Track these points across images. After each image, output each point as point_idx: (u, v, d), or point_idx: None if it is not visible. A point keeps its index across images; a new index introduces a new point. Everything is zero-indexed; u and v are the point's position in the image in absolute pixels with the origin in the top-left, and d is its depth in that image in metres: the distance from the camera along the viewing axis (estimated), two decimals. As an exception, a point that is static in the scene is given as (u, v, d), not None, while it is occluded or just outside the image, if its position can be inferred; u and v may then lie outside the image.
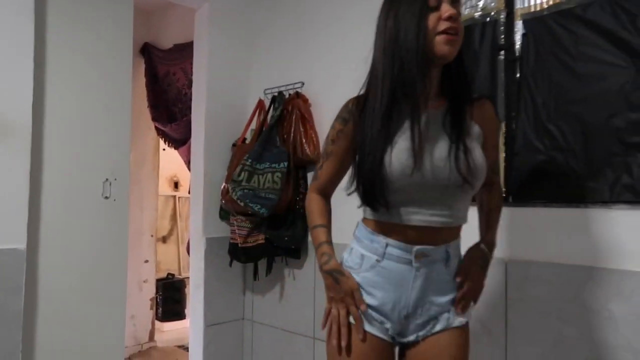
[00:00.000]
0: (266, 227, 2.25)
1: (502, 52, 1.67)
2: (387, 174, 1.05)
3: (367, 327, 1.13)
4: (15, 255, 1.83)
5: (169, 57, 3.33)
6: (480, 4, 1.73)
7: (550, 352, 1.51)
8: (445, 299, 1.15)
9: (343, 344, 1.13)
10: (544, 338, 1.53)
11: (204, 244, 2.43)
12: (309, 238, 1.68)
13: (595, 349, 1.42)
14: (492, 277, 1.62)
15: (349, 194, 1.13)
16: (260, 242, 2.27)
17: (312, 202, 1.25)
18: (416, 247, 1.10)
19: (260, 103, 2.47)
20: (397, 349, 1.21)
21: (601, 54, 1.46)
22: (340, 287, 1.14)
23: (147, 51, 3.49)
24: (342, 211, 1.38)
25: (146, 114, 3.41)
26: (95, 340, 2.15)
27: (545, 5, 1.59)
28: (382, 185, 1.06)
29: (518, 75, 1.63)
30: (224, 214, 2.43)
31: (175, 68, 3.27)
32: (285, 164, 2.14)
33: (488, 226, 1.25)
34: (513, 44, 1.65)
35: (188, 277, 4.11)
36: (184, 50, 3.16)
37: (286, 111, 2.26)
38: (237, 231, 2.29)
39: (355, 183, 1.12)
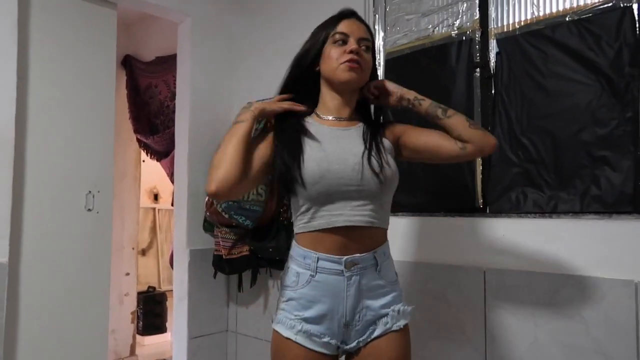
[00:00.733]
0: (250, 238, 2.27)
1: (478, 70, 1.75)
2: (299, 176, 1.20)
3: (308, 344, 1.18)
4: (-4, 268, 1.81)
5: (150, 70, 3.34)
6: (457, 23, 1.81)
7: (526, 356, 1.57)
8: (379, 302, 1.22)
9: None
10: (520, 343, 1.59)
11: (187, 256, 2.44)
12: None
13: (568, 352, 1.49)
14: (472, 286, 1.68)
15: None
16: (244, 253, 2.29)
17: None
18: (345, 257, 1.18)
19: (244, 115, 2.50)
20: (342, 359, 1.27)
21: (569, 73, 1.55)
22: (249, 107, 1.26)
23: (128, 63, 3.49)
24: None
25: (127, 125, 3.40)
26: (78, 354, 2.13)
27: (517, 26, 1.67)
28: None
29: (493, 91, 1.71)
30: (208, 226, 2.44)
31: (157, 80, 3.27)
32: (270, 176, 2.17)
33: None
34: (488, 61, 1.73)
35: (168, 290, 4.10)
36: (166, 63, 3.18)
37: (269, 123, 2.29)
38: (221, 243, 2.31)
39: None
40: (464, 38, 1.79)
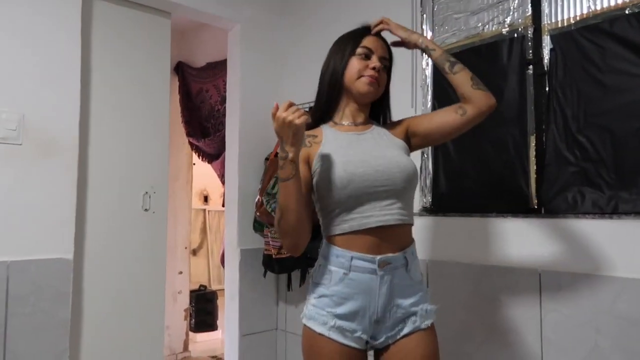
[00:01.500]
0: (299, 238, 2.30)
1: (530, 67, 1.70)
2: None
3: (341, 339, 1.21)
4: (63, 264, 1.93)
5: (201, 75, 3.46)
6: (508, 20, 1.78)
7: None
8: (409, 301, 1.25)
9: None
10: (580, 348, 1.53)
11: (238, 255, 2.50)
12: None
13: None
14: (526, 288, 1.64)
15: None
16: (293, 253, 2.32)
17: None
18: (379, 257, 1.20)
19: (292, 118, 2.54)
20: (371, 354, 1.29)
21: (629, 67, 1.48)
22: (284, 156, 1.19)
23: (180, 69, 3.63)
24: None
25: (180, 129, 3.53)
26: (136, 348, 2.23)
27: (572, 21, 1.62)
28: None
29: (547, 88, 1.66)
30: (258, 226, 2.49)
31: (207, 85, 3.39)
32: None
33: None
34: (541, 58, 1.68)
35: (219, 289, 4.21)
36: (216, 68, 3.28)
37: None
38: (271, 243, 2.36)
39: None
40: (515, 35, 1.75)
